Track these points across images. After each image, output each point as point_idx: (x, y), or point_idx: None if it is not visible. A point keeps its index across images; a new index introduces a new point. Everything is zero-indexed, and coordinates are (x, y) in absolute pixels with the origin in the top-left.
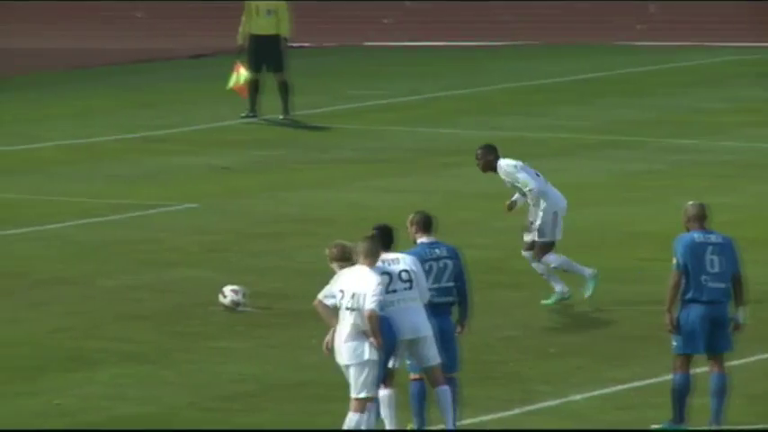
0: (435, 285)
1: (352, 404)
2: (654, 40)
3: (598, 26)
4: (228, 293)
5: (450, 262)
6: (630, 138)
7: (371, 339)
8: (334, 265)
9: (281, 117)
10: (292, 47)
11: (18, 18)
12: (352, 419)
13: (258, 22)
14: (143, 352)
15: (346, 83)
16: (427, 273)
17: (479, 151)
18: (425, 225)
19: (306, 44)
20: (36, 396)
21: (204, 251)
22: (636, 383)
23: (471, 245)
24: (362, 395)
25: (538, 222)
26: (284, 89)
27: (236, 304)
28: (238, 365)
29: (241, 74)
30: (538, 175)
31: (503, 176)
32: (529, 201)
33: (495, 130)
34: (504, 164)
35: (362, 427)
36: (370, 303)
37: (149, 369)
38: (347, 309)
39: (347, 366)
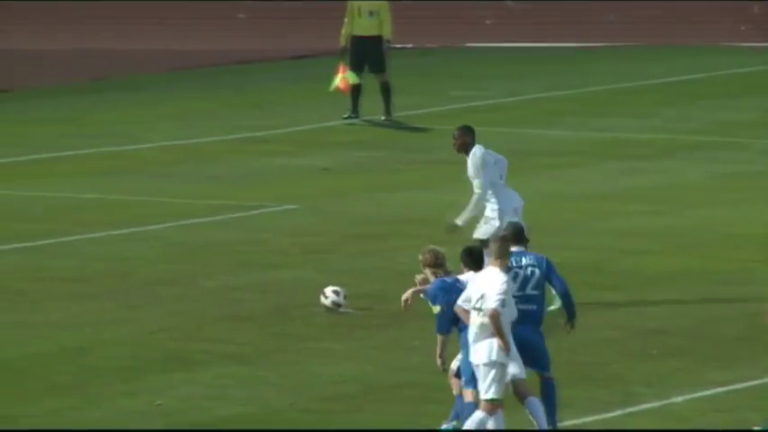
0: (519, 293)
1: (481, 404)
2: (758, 40)
3: (701, 27)
4: (330, 294)
5: (536, 270)
6: (733, 139)
7: (497, 340)
8: (427, 271)
9: (382, 118)
10: (395, 48)
11: (121, 20)
12: (475, 418)
13: (360, 23)
14: (244, 353)
15: (448, 84)
16: (512, 280)
17: (457, 132)
18: (514, 236)
19: (408, 45)
20: (137, 396)
21: (305, 252)
22: (737, 385)
23: (571, 246)
24: (489, 396)
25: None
26: (386, 90)
27: (337, 305)
28: (339, 366)
29: (345, 75)
30: (501, 177)
31: (468, 162)
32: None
33: (595, 131)
34: (479, 154)
35: (487, 427)
36: (492, 302)
37: (250, 370)
38: (475, 309)
39: (476, 366)
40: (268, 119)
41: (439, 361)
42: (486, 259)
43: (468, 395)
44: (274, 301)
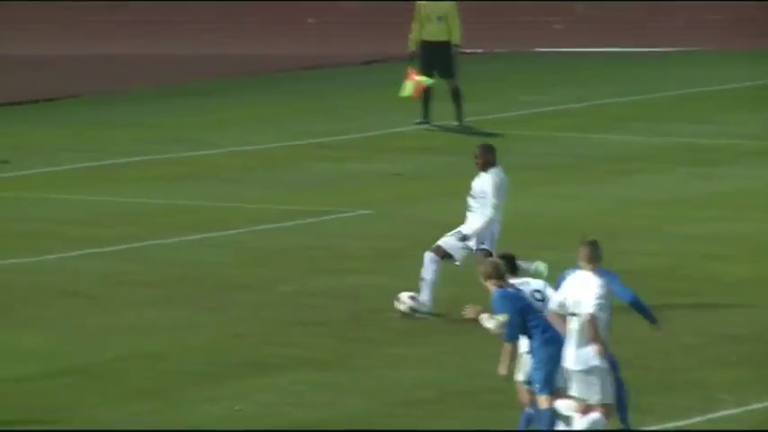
0: None
1: (581, 407)
2: None
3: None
4: (406, 300)
5: None
6: None
7: (595, 345)
8: (488, 283)
9: (454, 123)
10: (464, 53)
11: (191, 24)
12: (590, 418)
13: (428, 28)
14: (321, 358)
15: (517, 89)
16: None
17: (479, 150)
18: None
19: (478, 50)
20: (217, 402)
21: (378, 257)
22: None
23: (644, 252)
24: (595, 401)
25: (476, 229)
26: (456, 95)
27: (413, 311)
28: (415, 372)
29: (416, 80)
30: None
31: (488, 177)
32: (473, 209)
33: (665, 136)
34: (502, 175)
35: (600, 427)
36: (590, 307)
37: (327, 375)
38: (571, 314)
39: (573, 372)
40: (338, 124)
41: (503, 369)
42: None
43: (543, 401)
44: (349, 306)
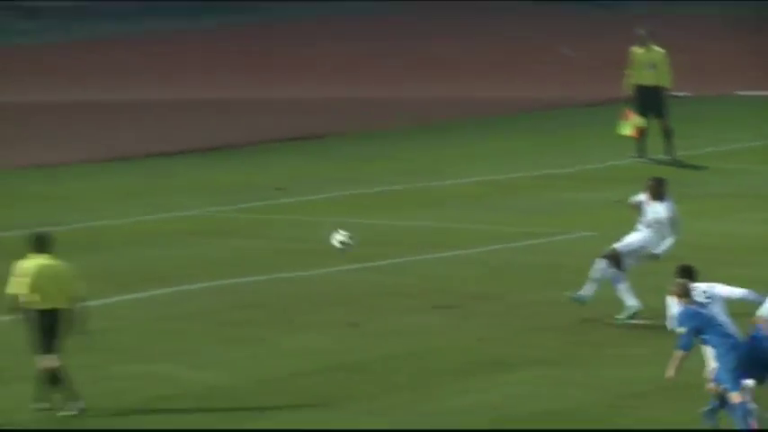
0: None
1: None
2: None
3: None
4: (340, 237)
5: None
6: None
7: None
8: (676, 300)
9: (666, 157)
10: (675, 96)
11: (443, 71)
12: None
13: (642, 74)
14: (552, 358)
15: (721, 127)
16: None
17: (652, 182)
18: None
19: (686, 93)
20: (466, 395)
21: None
22: None
23: None
24: None
25: (661, 249)
26: (667, 133)
27: (343, 244)
28: (633, 369)
29: (633, 120)
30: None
31: (663, 209)
32: (649, 226)
33: None
34: (673, 207)
35: None
36: None
37: (557, 372)
38: None
39: None
40: (565, 158)
41: (671, 372)
42: None
43: (734, 397)
44: (576, 314)
